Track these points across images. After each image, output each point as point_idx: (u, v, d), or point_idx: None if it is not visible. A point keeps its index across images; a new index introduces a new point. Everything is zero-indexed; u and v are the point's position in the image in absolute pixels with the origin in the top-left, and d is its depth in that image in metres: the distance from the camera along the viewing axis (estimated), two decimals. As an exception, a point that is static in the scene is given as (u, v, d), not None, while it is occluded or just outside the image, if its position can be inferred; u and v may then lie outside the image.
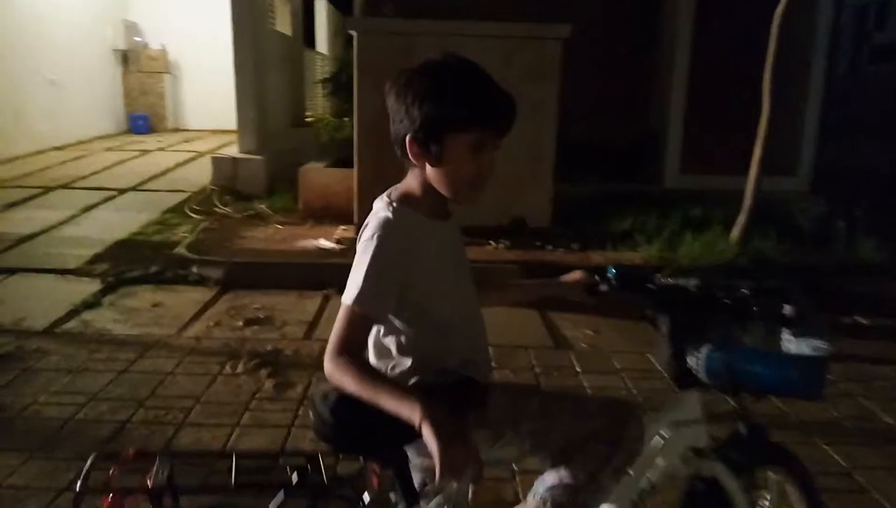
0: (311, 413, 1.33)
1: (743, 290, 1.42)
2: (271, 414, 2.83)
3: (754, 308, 1.40)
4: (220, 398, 2.96)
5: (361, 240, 1.32)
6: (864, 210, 5.38)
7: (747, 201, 4.96)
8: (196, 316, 3.93)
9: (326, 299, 4.20)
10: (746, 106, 5.09)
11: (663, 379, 2.15)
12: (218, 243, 5.20)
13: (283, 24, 9.11)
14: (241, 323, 3.84)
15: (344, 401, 1.25)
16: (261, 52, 7.26)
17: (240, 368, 3.25)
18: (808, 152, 6.69)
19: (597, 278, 1.62)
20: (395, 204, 1.35)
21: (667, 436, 1.47)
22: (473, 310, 1.48)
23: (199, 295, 4.28)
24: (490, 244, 4.95)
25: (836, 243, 5.09)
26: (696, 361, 1.43)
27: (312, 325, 3.85)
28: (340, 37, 11.89)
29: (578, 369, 3.38)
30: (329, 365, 1.24)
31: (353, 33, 5.17)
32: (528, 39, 5.15)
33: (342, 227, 5.48)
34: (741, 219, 4.99)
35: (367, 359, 1.38)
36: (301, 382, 3.11)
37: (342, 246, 4.99)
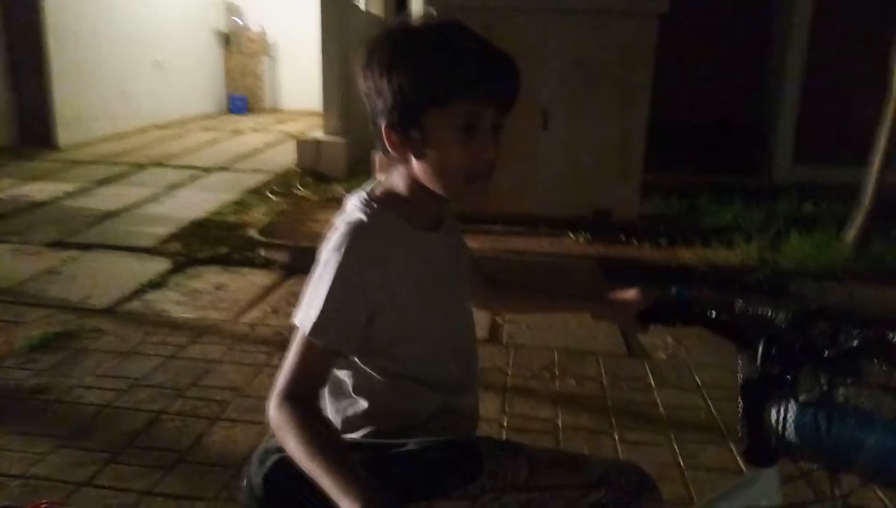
0: (243, 479, 1.03)
1: (852, 341, 0.99)
2: (309, 414, 2.66)
3: (862, 366, 0.98)
4: (262, 393, 2.82)
5: (326, 248, 1.03)
6: None
7: (867, 197, 4.35)
8: (255, 301, 3.84)
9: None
10: (871, 88, 4.45)
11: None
12: (290, 226, 5.13)
13: (376, 4, 8.98)
14: (298, 311, 3.72)
15: (282, 468, 0.96)
16: (348, 34, 7.14)
17: (287, 360, 3.12)
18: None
19: (656, 301, 1.26)
20: (374, 204, 1.07)
21: None
22: (461, 342, 1.17)
23: (264, 279, 4.20)
24: (569, 237, 4.60)
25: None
26: (781, 416, 1.03)
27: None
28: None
29: (652, 382, 3.01)
30: (272, 411, 0.95)
31: (432, 10, 4.92)
32: (621, 14, 4.72)
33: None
34: (858, 218, 4.38)
35: (319, 409, 1.03)
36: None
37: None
